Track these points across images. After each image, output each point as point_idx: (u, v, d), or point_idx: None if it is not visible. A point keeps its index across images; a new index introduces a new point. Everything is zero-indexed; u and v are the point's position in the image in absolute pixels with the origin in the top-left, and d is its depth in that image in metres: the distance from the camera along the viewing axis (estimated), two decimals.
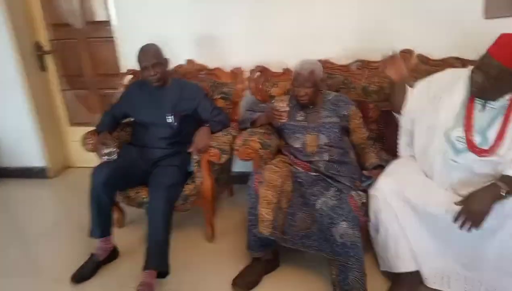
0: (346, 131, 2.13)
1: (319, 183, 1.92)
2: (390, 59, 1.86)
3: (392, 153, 2.05)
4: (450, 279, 1.72)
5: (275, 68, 2.47)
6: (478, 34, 2.19)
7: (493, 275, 1.59)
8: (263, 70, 2.43)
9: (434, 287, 1.76)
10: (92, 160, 2.20)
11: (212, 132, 2.16)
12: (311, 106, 2.08)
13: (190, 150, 2.07)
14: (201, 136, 2.08)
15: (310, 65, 2.00)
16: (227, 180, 2.66)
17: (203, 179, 2.14)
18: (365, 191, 1.88)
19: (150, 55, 2.11)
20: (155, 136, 2.21)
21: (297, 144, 2.07)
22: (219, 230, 2.37)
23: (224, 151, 2.07)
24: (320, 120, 2.05)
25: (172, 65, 2.35)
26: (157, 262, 1.90)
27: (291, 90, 2.12)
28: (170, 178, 2.03)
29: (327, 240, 1.74)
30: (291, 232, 1.83)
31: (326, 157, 2.01)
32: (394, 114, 1.98)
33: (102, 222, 2.04)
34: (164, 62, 2.18)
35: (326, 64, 2.41)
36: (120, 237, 2.26)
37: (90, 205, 2.01)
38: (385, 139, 2.28)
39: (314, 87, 1.98)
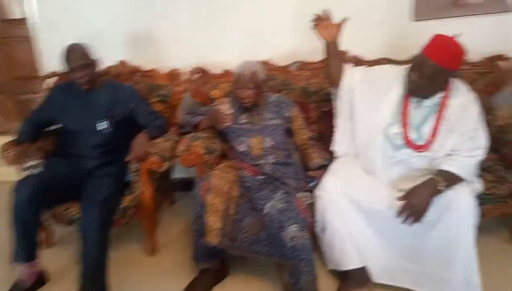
0: (289, 132, 2.13)
1: (267, 186, 1.88)
2: (321, 19, 1.83)
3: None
4: (395, 273, 1.78)
5: (215, 69, 2.40)
6: (408, 35, 2.34)
7: (434, 266, 1.67)
8: (202, 72, 2.34)
9: (381, 282, 1.81)
10: (12, 174, 1.95)
11: (151, 138, 2.02)
12: (254, 109, 2.04)
13: (128, 158, 1.91)
14: (139, 143, 1.94)
15: (252, 66, 1.97)
16: (168, 188, 2.52)
17: (143, 189, 2.00)
18: (311, 191, 1.88)
19: (78, 55, 1.92)
20: (87, 145, 2.02)
21: (242, 148, 2.01)
22: (161, 242, 2.23)
23: (165, 157, 1.95)
24: (264, 122, 2.02)
25: (102, 67, 2.17)
26: (93, 284, 1.73)
27: (233, 92, 2.07)
28: (106, 190, 1.86)
29: (277, 244, 1.71)
30: (240, 239, 1.77)
31: (272, 159, 1.98)
32: (332, 91, 2.00)
33: (27, 244, 1.80)
34: (93, 63, 2.00)
35: (266, 65, 2.39)
36: (49, 258, 2.03)
37: (13, 225, 1.77)
38: (326, 139, 2.32)
39: (257, 89, 1.95)
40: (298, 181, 1.95)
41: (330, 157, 2.08)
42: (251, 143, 1.99)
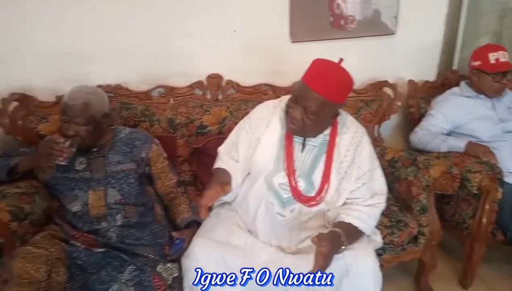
0: (148, 179, 1.61)
1: (110, 263, 1.31)
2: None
3: None
4: None
5: (45, 95, 1.77)
6: (288, 58, 2.05)
7: None
8: (23, 99, 1.69)
9: None
10: None
11: None
12: (95, 149, 1.48)
13: None
14: None
15: (85, 94, 1.43)
16: None
17: None
18: (177, 260, 1.38)
19: None
20: None
21: (76, 207, 1.43)
22: None
23: None
24: (109, 168, 1.47)
25: None
26: None
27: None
28: None
29: None
30: None
31: (119, 220, 1.43)
32: None
33: None
34: None
35: (119, 90, 1.87)
36: None
37: None
38: (199, 182, 1.87)
39: (91, 124, 1.41)
40: (158, 247, 1.42)
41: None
42: (89, 200, 1.42)
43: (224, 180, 1.34)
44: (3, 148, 1.70)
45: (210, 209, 1.34)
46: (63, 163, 1.37)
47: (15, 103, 1.68)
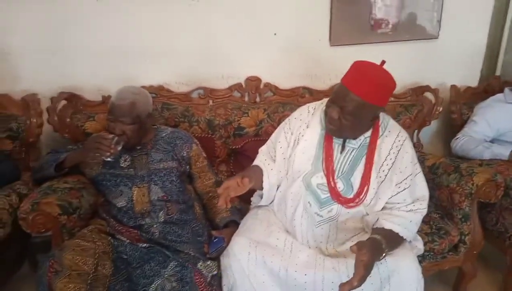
0: (188, 177, 1.65)
1: (153, 258, 1.35)
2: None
3: (247, 199, 1.63)
4: None
5: (91, 95, 1.84)
6: (326, 62, 2.05)
7: None
8: (71, 98, 1.77)
9: None
10: None
11: None
12: (138, 147, 1.53)
13: None
14: None
15: (131, 95, 1.48)
16: (21, 254, 1.84)
17: None
18: (216, 258, 1.41)
19: None
20: None
21: (121, 202, 1.48)
22: None
23: None
24: (152, 165, 1.52)
25: None
26: None
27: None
28: None
29: None
30: None
31: (161, 216, 1.47)
32: None
33: None
34: None
35: (161, 91, 1.92)
36: None
37: None
38: None
39: (137, 124, 1.46)
40: (199, 244, 1.46)
41: (242, 207, 1.64)
42: (133, 195, 1.47)
43: (247, 173, 1.29)
44: (51, 145, 1.79)
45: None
46: (109, 159, 1.42)
47: (63, 102, 1.75)
